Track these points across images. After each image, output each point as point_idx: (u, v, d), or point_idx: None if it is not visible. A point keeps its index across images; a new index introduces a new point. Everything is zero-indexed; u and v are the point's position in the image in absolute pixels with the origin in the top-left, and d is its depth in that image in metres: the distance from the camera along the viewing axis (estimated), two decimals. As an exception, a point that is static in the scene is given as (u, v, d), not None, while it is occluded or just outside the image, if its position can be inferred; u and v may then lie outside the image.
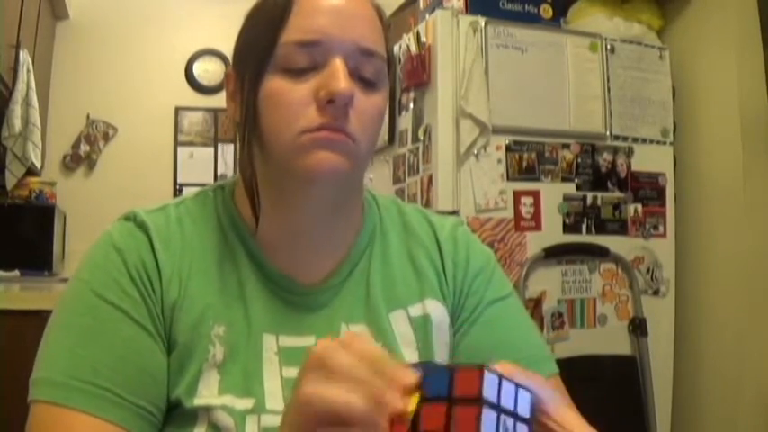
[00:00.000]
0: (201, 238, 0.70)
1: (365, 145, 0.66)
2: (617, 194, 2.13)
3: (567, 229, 2.05)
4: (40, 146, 3.04)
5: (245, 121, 0.66)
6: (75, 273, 0.67)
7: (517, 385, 0.40)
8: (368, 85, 0.66)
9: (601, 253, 2.06)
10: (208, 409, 0.61)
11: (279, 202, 0.68)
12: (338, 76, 0.62)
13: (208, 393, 0.62)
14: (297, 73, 0.63)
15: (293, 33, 0.63)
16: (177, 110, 3.85)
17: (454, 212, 1.91)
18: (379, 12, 0.70)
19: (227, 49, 0.71)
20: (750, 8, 2.09)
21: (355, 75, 0.64)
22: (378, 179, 2.36)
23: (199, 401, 0.62)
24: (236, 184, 0.73)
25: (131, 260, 0.65)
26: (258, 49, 0.65)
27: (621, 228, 2.12)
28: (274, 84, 0.64)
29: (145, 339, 0.63)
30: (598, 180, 2.11)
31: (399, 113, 2.23)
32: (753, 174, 2.05)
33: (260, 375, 0.65)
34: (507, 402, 0.39)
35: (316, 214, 0.69)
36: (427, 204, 1.99)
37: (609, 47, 2.14)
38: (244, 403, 0.62)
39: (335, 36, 0.63)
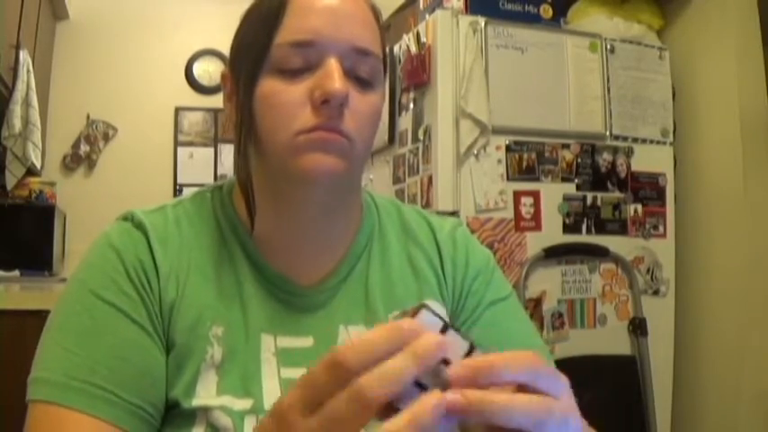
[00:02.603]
0: (199, 238, 0.70)
1: (361, 145, 0.65)
2: (617, 194, 2.13)
3: (567, 229, 2.05)
4: (40, 146, 3.04)
5: (241, 122, 0.66)
6: (73, 273, 0.67)
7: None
8: (363, 84, 0.65)
9: (601, 253, 2.06)
10: (206, 410, 0.61)
11: (276, 203, 0.68)
12: (332, 76, 0.61)
13: (206, 394, 0.62)
14: (291, 74, 0.63)
15: (287, 34, 0.63)
16: (177, 110, 3.85)
17: (454, 213, 1.91)
18: (374, 11, 0.69)
19: (227, 49, 0.71)
20: (750, 8, 2.09)
21: (350, 74, 0.64)
22: (378, 179, 2.36)
23: (197, 402, 0.62)
24: (235, 184, 0.73)
25: (129, 260, 0.65)
26: (253, 50, 0.65)
27: (621, 228, 2.12)
28: (269, 85, 0.64)
29: (143, 339, 0.63)
30: (598, 180, 2.11)
31: (399, 113, 2.23)
32: (753, 174, 2.04)
33: (258, 376, 0.65)
34: None
35: (313, 215, 0.69)
36: (427, 205, 1.99)
37: (609, 47, 2.14)
38: (242, 404, 0.62)
39: (329, 36, 0.63)
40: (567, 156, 2.07)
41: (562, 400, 0.41)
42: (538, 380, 0.40)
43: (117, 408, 0.59)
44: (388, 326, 0.39)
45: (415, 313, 0.41)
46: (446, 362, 0.40)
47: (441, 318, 0.41)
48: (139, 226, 0.68)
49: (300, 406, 0.40)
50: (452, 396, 0.38)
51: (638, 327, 2.07)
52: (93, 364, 0.60)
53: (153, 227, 0.68)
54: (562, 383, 0.42)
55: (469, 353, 0.41)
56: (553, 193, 2.04)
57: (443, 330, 0.41)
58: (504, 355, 0.40)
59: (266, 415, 0.43)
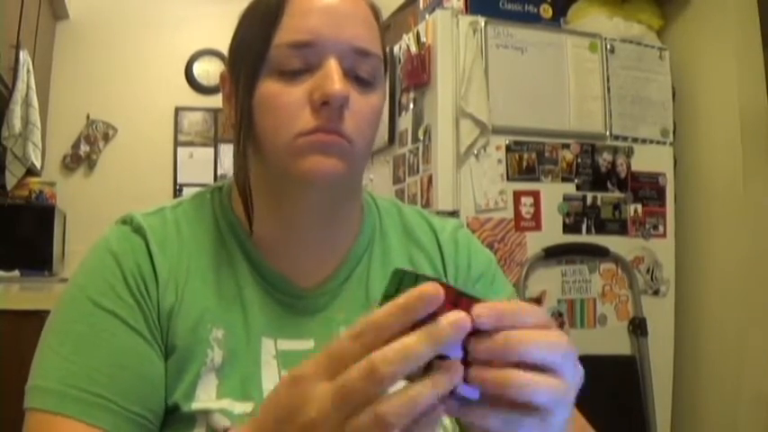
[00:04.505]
0: (199, 240, 0.69)
1: (361, 146, 0.65)
2: (617, 194, 2.12)
3: (567, 229, 2.05)
4: (40, 146, 3.04)
5: (240, 124, 0.65)
6: (72, 278, 0.67)
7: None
8: (364, 84, 0.65)
9: (601, 253, 2.06)
10: (206, 413, 0.61)
11: (276, 205, 0.68)
12: (332, 77, 0.61)
13: (206, 397, 0.62)
14: (291, 75, 0.63)
15: (286, 35, 0.63)
16: (177, 110, 3.85)
17: (454, 213, 1.91)
18: (374, 10, 0.68)
19: (227, 49, 0.71)
20: (750, 8, 2.09)
21: (350, 75, 0.63)
22: (378, 179, 2.36)
23: (197, 405, 0.61)
24: (234, 185, 0.73)
25: (127, 265, 0.64)
26: (251, 51, 0.64)
27: (621, 228, 2.12)
28: (268, 86, 0.63)
29: (141, 345, 0.62)
30: (598, 180, 2.11)
31: (399, 113, 2.23)
32: (753, 174, 2.04)
33: (258, 379, 0.64)
34: None
35: (313, 216, 0.69)
36: (427, 204, 1.99)
37: (609, 47, 2.14)
38: (242, 407, 0.62)
39: (329, 36, 0.62)
40: (567, 156, 2.07)
41: (574, 389, 0.43)
42: (563, 364, 0.42)
43: (116, 416, 0.59)
44: (413, 296, 0.40)
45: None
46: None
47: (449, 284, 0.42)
48: (138, 230, 0.67)
49: (320, 371, 0.41)
50: (479, 374, 0.40)
51: (638, 327, 2.07)
52: (91, 371, 0.60)
53: (152, 230, 0.67)
54: (579, 371, 0.44)
55: None
56: (553, 193, 2.04)
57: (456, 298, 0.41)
58: (525, 305, 0.42)
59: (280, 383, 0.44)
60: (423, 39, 2.06)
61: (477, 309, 0.40)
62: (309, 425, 0.40)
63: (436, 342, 0.38)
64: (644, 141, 2.17)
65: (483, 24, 2.00)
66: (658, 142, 2.19)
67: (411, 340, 0.38)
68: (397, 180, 2.24)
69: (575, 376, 0.43)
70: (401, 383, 0.39)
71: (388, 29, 2.44)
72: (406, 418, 0.38)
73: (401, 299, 0.39)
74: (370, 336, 0.39)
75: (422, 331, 0.39)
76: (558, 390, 0.41)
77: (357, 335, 0.40)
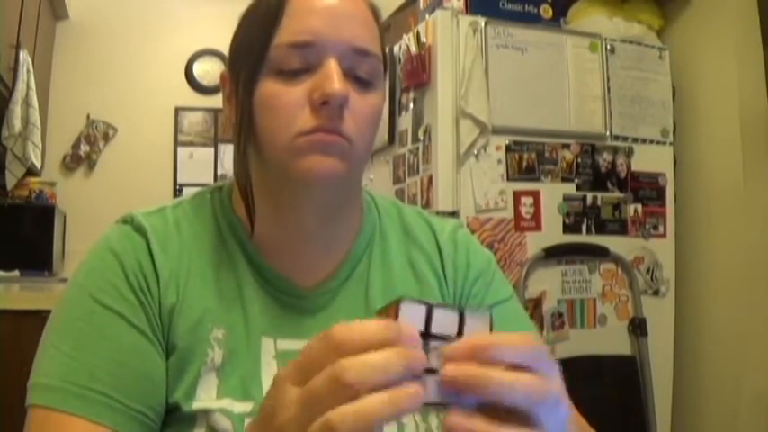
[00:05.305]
0: (199, 240, 0.70)
1: (361, 146, 0.65)
2: (617, 194, 2.12)
3: (566, 229, 2.05)
4: (40, 146, 3.04)
5: (240, 124, 0.66)
6: (73, 277, 0.67)
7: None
8: (363, 85, 0.65)
9: (601, 253, 2.06)
10: (206, 413, 0.61)
11: (276, 205, 0.68)
12: (332, 77, 0.61)
13: (206, 397, 0.62)
14: (291, 75, 0.63)
15: (286, 35, 0.63)
16: (177, 110, 3.85)
17: (454, 213, 1.92)
18: (373, 10, 0.69)
19: (227, 49, 0.71)
20: (750, 8, 2.09)
21: (350, 75, 0.64)
22: (378, 179, 2.36)
23: (197, 405, 0.62)
24: (234, 185, 0.73)
25: (129, 264, 0.65)
26: (251, 51, 0.64)
27: (621, 228, 2.12)
28: (268, 86, 0.63)
29: (142, 343, 0.62)
30: (598, 180, 2.11)
31: (399, 113, 2.23)
32: (753, 174, 2.04)
33: (258, 379, 0.64)
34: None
35: (313, 216, 0.69)
36: (427, 204, 1.99)
37: (609, 47, 2.14)
38: (242, 406, 0.62)
39: (329, 37, 0.62)
40: (567, 156, 2.07)
41: (556, 383, 0.42)
42: (534, 361, 0.41)
43: (118, 413, 0.59)
44: (388, 322, 0.40)
45: (396, 311, 0.41)
46: (443, 338, 0.41)
47: (422, 301, 0.42)
48: (139, 229, 0.67)
49: (294, 374, 0.41)
50: (451, 371, 0.39)
51: (638, 327, 2.07)
52: (93, 369, 0.60)
53: (153, 230, 0.68)
54: (555, 367, 0.43)
55: (461, 321, 0.42)
56: (553, 193, 2.04)
57: (429, 311, 0.42)
58: (503, 335, 0.41)
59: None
60: (423, 39, 2.06)
61: (452, 346, 0.40)
62: (279, 428, 0.40)
63: (407, 362, 0.38)
64: (644, 141, 2.17)
65: (483, 24, 2.00)
66: (658, 142, 2.19)
67: (380, 354, 0.38)
68: (397, 180, 2.24)
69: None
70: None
71: (389, 29, 2.44)
72: (353, 427, 0.37)
73: (380, 322, 0.40)
74: (347, 346, 0.39)
75: (395, 349, 0.38)
76: None
77: (323, 336, 0.40)
